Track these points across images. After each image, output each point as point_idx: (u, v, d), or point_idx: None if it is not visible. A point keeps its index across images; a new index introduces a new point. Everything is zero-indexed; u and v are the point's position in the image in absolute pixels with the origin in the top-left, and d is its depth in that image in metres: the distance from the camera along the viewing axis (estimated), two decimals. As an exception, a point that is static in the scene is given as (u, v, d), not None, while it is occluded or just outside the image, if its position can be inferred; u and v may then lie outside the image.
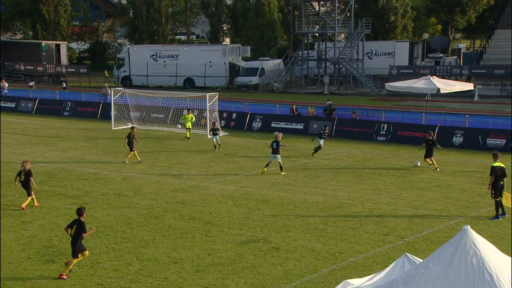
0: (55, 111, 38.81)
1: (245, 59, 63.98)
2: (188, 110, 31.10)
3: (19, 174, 17.04)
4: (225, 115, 34.54)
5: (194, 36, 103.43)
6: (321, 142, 25.69)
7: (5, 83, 45.34)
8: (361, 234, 15.03)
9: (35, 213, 16.26)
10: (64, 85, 51.74)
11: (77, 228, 12.09)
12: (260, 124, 33.56)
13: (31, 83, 52.02)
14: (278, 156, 22.04)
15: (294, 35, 62.76)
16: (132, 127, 24.85)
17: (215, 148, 26.56)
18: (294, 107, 34.46)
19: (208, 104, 31.10)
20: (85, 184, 19.86)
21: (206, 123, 31.30)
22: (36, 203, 17.13)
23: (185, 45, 68.60)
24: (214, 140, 26.68)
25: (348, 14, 58.31)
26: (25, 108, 39.93)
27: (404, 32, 69.21)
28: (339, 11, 58.19)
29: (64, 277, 11.98)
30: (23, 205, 16.83)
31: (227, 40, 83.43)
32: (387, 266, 8.39)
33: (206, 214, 16.64)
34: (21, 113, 39.11)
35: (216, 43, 73.43)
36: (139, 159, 23.85)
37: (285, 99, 47.62)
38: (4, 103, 40.89)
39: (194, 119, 30.52)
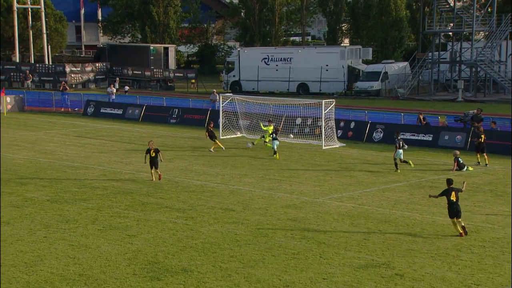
0: (161, 118, 40.64)
1: (366, 62, 63.27)
2: (270, 121, 30.85)
3: (148, 151, 22.57)
4: (342, 124, 34.31)
5: (309, 37, 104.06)
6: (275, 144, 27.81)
7: (113, 88, 47.46)
8: (502, 264, 14.25)
9: (140, 226, 17.08)
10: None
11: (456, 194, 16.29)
12: (381, 134, 32.97)
13: (126, 88, 54.41)
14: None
15: (423, 35, 61.12)
16: (210, 122, 30.85)
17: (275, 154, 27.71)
18: (422, 116, 33.53)
19: (323, 112, 31.05)
20: (191, 197, 20.56)
21: (321, 133, 31.29)
22: (155, 178, 22.54)
23: (299, 47, 69.11)
24: (275, 146, 27.92)
25: (489, 9, 55.81)
26: (132, 115, 42.16)
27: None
28: (478, 6, 55.88)
29: (463, 234, 16.09)
30: (159, 176, 22.60)
31: (346, 41, 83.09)
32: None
33: (320, 233, 16.59)
34: (128, 120, 41.35)
35: (334, 45, 73.34)
36: (217, 146, 29.00)
37: (411, 107, 46.44)
38: (111, 110, 43.47)
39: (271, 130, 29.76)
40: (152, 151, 22.48)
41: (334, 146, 31.25)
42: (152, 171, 22.62)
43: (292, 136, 32.91)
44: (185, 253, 14.93)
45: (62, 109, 46.80)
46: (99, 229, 16.73)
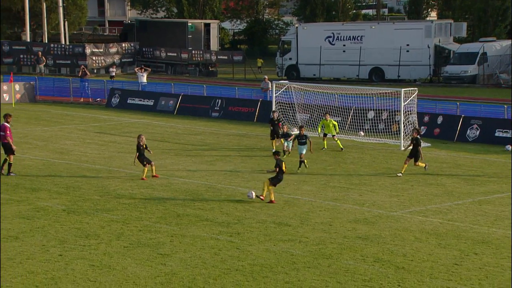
0: (201, 111, 41.01)
1: (458, 40, 62.31)
2: (326, 113, 30.94)
3: (138, 148, 24.31)
4: (426, 118, 33.95)
5: (386, 10, 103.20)
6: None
7: (143, 72, 47.76)
8: None
9: (175, 244, 17.28)
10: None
11: None
12: (478, 132, 32.49)
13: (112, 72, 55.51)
14: None
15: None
16: (274, 111, 31.55)
17: (284, 154, 27.56)
18: (531, 109, 32.90)
19: (402, 104, 30.78)
20: (237, 208, 20.68)
21: (399, 130, 31.01)
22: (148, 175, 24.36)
23: (373, 22, 68.55)
24: (285, 145, 28.48)
25: None
26: (165, 107, 42.69)
27: None
28: None
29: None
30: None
31: (433, 14, 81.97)
32: None
33: (398, 255, 16.46)
34: (161, 113, 41.88)
35: (417, 19, 72.48)
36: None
37: (517, 97, 45.52)
38: (140, 100, 44.11)
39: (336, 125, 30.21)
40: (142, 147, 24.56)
41: (417, 147, 30.92)
42: (147, 168, 24.44)
43: (362, 134, 32.74)
44: (230, 277, 15.03)
45: (81, 99, 47.77)
46: (125, 247, 17.00)
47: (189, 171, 25.88)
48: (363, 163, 27.50)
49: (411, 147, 25.39)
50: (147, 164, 24.28)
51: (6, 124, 24.52)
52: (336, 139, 30.09)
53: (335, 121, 30.75)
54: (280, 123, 30.08)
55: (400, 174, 25.03)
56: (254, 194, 21.37)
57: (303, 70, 61.33)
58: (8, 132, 24.41)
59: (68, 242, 17.34)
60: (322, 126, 30.44)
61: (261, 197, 21.03)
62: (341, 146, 29.92)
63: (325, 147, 30.16)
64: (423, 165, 25.37)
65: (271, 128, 30.02)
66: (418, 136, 25.34)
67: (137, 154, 24.29)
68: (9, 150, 24.47)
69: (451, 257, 16.41)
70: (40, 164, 26.78)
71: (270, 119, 30.65)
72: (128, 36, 72.69)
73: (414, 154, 25.10)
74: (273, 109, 32.92)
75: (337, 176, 25.20)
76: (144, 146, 24.48)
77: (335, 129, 30.04)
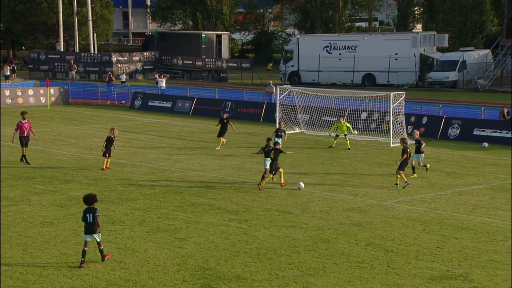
0: (213, 112, 40.99)
1: (441, 50, 62.20)
2: (340, 117, 30.73)
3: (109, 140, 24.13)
4: (413, 119, 33.91)
5: (377, 23, 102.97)
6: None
7: (162, 78, 48.48)
8: None
9: (190, 229, 17.33)
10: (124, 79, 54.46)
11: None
12: (458, 131, 32.44)
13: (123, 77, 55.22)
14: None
15: (508, 18, 59.53)
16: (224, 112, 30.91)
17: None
18: (506, 111, 32.84)
19: (392, 106, 30.78)
20: (245, 198, 20.70)
21: (389, 129, 30.98)
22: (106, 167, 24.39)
23: (365, 33, 68.50)
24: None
25: None
26: (182, 108, 42.75)
27: None
28: None
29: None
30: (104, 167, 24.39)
31: (419, 26, 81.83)
32: None
33: (388, 240, 16.46)
34: (178, 114, 41.96)
35: (405, 31, 72.38)
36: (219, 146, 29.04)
37: (493, 100, 45.46)
38: (160, 103, 44.22)
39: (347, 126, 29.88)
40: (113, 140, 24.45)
41: (404, 144, 30.86)
42: (106, 159, 24.50)
43: (356, 132, 32.68)
44: (239, 259, 15.06)
45: (108, 102, 47.86)
46: (147, 232, 17.05)
47: (202, 165, 25.91)
48: (356, 158, 27.49)
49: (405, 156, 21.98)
50: (108, 156, 24.42)
51: (22, 121, 25.38)
52: (347, 138, 29.84)
53: (348, 123, 30.58)
54: (230, 120, 29.74)
55: (397, 185, 22.05)
56: (303, 185, 21.71)
57: (303, 76, 61.28)
58: (24, 127, 25.25)
59: (97, 227, 17.38)
60: (335, 128, 30.18)
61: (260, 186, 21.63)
62: (349, 146, 29.66)
63: (333, 145, 29.98)
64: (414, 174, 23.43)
65: (220, 126, 29.68)
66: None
67: (105, 143, 24.28)
68: (24, 143, 25.38)
69: (434, 241, 16.42)
70: (72, 159, 26.86)
71: (220, 119, 30.14)
72: (149, 46, 72.86)
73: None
74: (226, 110, 32.64)
75: (334, 170, 25.20)
76: (114, 138, 24.48)
77: (349, 131, 29.88)
